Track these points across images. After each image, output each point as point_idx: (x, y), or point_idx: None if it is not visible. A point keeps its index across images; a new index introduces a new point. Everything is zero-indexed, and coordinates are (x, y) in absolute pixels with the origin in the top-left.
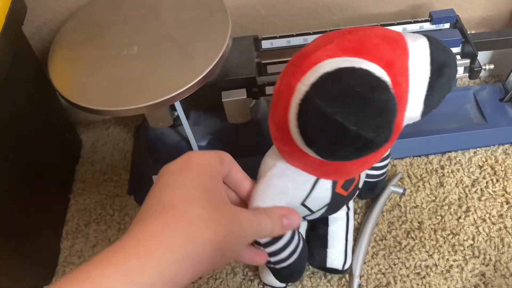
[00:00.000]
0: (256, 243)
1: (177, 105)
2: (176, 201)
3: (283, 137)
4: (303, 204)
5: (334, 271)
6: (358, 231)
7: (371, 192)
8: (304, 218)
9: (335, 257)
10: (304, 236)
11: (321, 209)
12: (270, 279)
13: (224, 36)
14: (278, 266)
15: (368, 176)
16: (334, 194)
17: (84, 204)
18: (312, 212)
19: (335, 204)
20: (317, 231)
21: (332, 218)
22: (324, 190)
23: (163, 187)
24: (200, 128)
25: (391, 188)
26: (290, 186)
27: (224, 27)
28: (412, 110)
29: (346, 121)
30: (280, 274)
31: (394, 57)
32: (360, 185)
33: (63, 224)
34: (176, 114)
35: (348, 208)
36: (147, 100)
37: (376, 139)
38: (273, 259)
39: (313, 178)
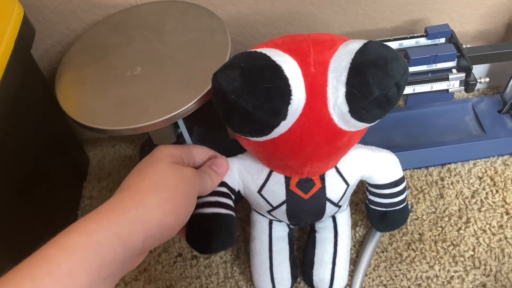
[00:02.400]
0: None
1: (180, 122)
2: (131, 183)
3: None
4: (260, 194)
5: None
6: (361, 244)
7: (383, 224)
8: (271, 214)
9: (319, 279)
10: (288, 244)
11: (281, 206)
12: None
13: (224, 55)
14: (198, 211)
15: (371, 202)
16: (289, 192)
17: None
18: (272, 206)
19: (295, 206)
20: (305, 251)
21: (319, 239)
22: (277, 183)
23: (128, 176)
24: (204, 144)
25: None
26: (242, 169)
27: (224, 47)
28: (336, 106)
29: (226, 88)
30: (193, 228)
31: (311, 51)
32: (333, 198)
33: None
34: (179, 131)
35: (336, 232)
36: (150, 119)
37: (255, 112)
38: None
39: (267, 169)
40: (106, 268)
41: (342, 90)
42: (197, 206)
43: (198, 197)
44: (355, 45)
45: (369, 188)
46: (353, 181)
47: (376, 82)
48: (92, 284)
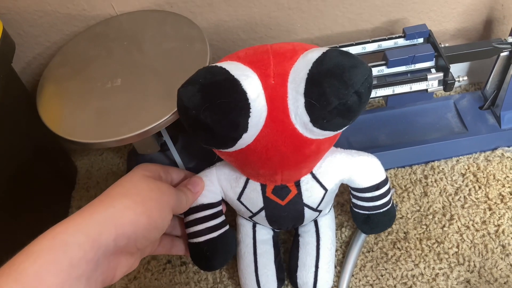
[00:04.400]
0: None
1: (164, 131)
2: (105, 193)
3: None
4: (239, 201)
5: None
6: (347, 244)
7: (367, 227)
8: (252, 219)
9: (303, 282)
10: (273, 247)
11: (260, 212)
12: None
13: (203, 64)
14: (193, 241)
15: (355, 205)
16: (266, 198)
17: None
18: (252, 212)
19: (274, 212)
20: (291, 254)
21: (301, 243)
22: (254, 191)
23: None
24: (189, 151)
25: None
26: (222, 178)
27: (203, 55)
28: (298, 116)
29: (187, 104)
30: (194, 251)
31: (271, 62)
32: (310, 203)
33: None
34: (163, 139)
35: (318, 236)
36: (132, 130)
37: (215, 126)
38: (191, 229)
39: (244, 177)
40: (76, 268)
41: (301, 100)
42: (190, 235)
43: (189, 226)
44: (313, 55)
45: (352, 191)
46: (331, 186)
47: (333, 91)
48: (63, 285)
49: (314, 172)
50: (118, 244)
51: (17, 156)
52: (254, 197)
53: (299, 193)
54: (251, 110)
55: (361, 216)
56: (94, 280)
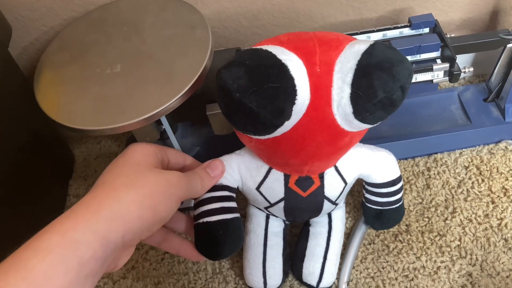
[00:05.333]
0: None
1: (163, 119)
2: (106, 179)
3: None
4: (258, 190)
5: (309, 286)
6: (348, 236)
7: (378, 222)
8: (268, 210)
9: (309, 272)
10: (283, 239)
11: (279, 203)
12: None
13: (205, 51)
14: (204, 220)
15: (368, 200)
16: (288, 189)
17: None
18: (270, 203)
19: (293, 203)
20: (298, 243)
21: (312, 233)
22: (276, 181)
23: (102, 173)
24: (188, 140)
25: None
26: (242, 166)
27: (205, 42)
28: (340, 107)
29: (231, 86)
30: (201, 237)
31: (317, 50)
32: (331, 195)
33: None
34: (163, 127)
35: (331, 227)
36: (131, 118)
37: (259, 111)
38: (202, 208)
39: (266, 166)
40: (85, 267)
41: (347, 91)
42: (201, 214)
43: (201, 205)
44: (361, 46)
45: (366, 186)
46: (351, 180)
47: (382, 84)
48: (71, 284)
49: (337, 165)
50: (125, 240)
51: (13, 143)
52: (275, 187)
53: (322, 185)
54: (297, 97)
55: (373, 212)
56: (100, 275)
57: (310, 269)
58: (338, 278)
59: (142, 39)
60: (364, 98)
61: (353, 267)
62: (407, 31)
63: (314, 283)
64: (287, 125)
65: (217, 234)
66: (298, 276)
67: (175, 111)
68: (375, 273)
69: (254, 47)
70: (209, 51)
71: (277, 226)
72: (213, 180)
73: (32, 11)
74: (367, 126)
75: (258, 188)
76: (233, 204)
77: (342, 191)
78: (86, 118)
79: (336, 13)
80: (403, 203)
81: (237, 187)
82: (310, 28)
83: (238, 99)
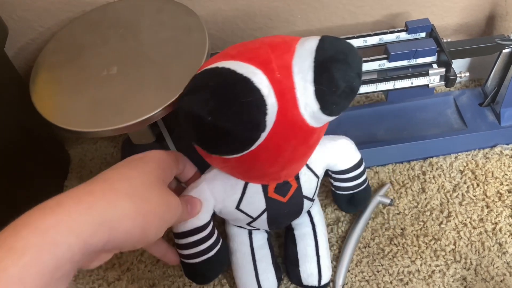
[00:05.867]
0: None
1: (159, 122)
2: (110, 176)
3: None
4: (239, 209)
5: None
6: (343, 239)
7: (351, 206)
8: (251, 225)
9: (307, 275)
10: (269, 249)
11: (261, 215)
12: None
13: (201, 54)
14: (188, 261)
15: (338, 188)
16: (268, 199)
17: None
18: (252, 218)
19: (276, 211)
20: (287, 251)
21: (298, 236)
22: (255, 194)
23: (111, 168)
24: (185, 142)
25: (378, 198)
26: (217, 190)
27: (201, 45)
28: (307, 105)
29: (201, 112)
30: (188, 270)
31: (271, 57)
32: (308, 193)
33: None
34: (159, 129)
35: (314, 224)
36: (127, 120)
37: (236, 129)
38: (185, 252)
39: (242, 182)
40: (61, 269)
41: (311, 89)
42: (184, 257)
43: (183, 249)
44: (311, 43)
45: (334, 175)
46: (321, 172)
47: (341, 76)
48: (44, 287)
49: (307, 162)
50: (106, 247)
51: (8, 144)
52: (255, 201)
53: (299, 186)
54: (267, 106)
55: (345, 197)
56: (72, 275)
57: (308, 271)
58: (333, 281)
59: (138, 41)
60: (328, 92)
61: (348, 271)
62: (403, 36)
63: (315, 283)
64: (262, 137)
65: (203, 269)
66: (298, 281)
67: (171, 113)
68: (370, 276)
69: (210, 67)
70: (205, 54)
71: (261, 239)
72: (189, 217)
73: (29, 11)
74: (332, 119)
75: (238, 207)
76: (213, 240)
77: (317, 186)
78: (82, 120)
79: (332, 17)
80: (368, 181)
81: (213, 213)
82: (307, 32)
83: (210, 122)
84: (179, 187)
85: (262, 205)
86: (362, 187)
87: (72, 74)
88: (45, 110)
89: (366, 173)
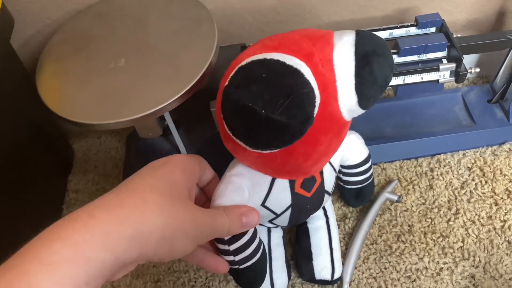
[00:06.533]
0: (219, 242)
1: (167, 115)
2: (138, 186)
3: (224, 134)
4: (264, 206)
5: (324, 282)
6: (350, 236)
7: (359, 200)
8: (272, 222)
9: (321, 268)
10: (283, 247)
11: (285, 212)
12: None
13: (210, 46)
14: (242, 266)
15: (347, 182)
16: (294, 195)
17: None
18: (276, 214)
19: (300, 207)
20: (300, 244)
21: (312, 229)
22: (282, 189)
23: (136, 175)
24: (191, 136)
25: (386, 195)
26: (248, 185)
27: (210, 38)
28: (346, 99)
29: (254, 105)
30: (244, 277)
31: (314, 50)
32: (328, 188)
33: None
34: (166, 123)
35: (327, 217)
36: (135, 112)
37: (290, 122)
38: (237, 257)
39: (269, 178)
40: (91, 284)
41: (352, 82)
42: (237, 263)
43: (236, 254)
44: (349, 37)
45: (343, 170)
46: (338, 167)
47: (380, 69)
48: None
49: None
50: (136, 261)
51: (13, 136)
52: (281, 197)
53: (322, 181)
54: (316, 99)
55: (353, 192)
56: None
57: (322, 264)
58: (341, 279)
59: (146, 33)
60: (368, 85)
61: (355, 267)
62: (413, 30)
63: (328, 277)
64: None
65: (256, 272)
66: (310, 276)
67: (179, 107)
68: (377, 273)
69: (258, 58)
70: (214, 47)
71: (278, 238)
72: (242, 229)
73: (35, 3)
74: (363, 112)
75: (263, 203)
76: (258, 236)
77: (334, 181)
78: (89, 112)
79: (342, 11)
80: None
81: None
82: (315, 26)
83: (265, 116)
84: (202, 195)
85: (288, 201)
86: (369, 181)
87: (79, 66)
88: (51, 102)
89: (372, 167)
